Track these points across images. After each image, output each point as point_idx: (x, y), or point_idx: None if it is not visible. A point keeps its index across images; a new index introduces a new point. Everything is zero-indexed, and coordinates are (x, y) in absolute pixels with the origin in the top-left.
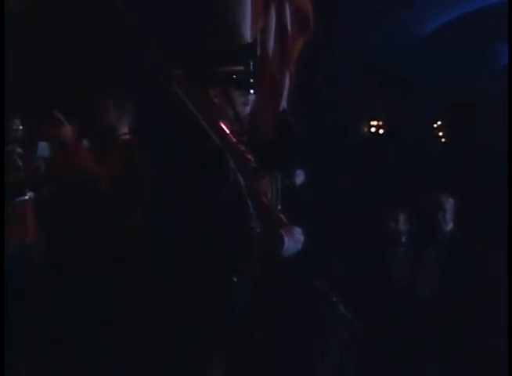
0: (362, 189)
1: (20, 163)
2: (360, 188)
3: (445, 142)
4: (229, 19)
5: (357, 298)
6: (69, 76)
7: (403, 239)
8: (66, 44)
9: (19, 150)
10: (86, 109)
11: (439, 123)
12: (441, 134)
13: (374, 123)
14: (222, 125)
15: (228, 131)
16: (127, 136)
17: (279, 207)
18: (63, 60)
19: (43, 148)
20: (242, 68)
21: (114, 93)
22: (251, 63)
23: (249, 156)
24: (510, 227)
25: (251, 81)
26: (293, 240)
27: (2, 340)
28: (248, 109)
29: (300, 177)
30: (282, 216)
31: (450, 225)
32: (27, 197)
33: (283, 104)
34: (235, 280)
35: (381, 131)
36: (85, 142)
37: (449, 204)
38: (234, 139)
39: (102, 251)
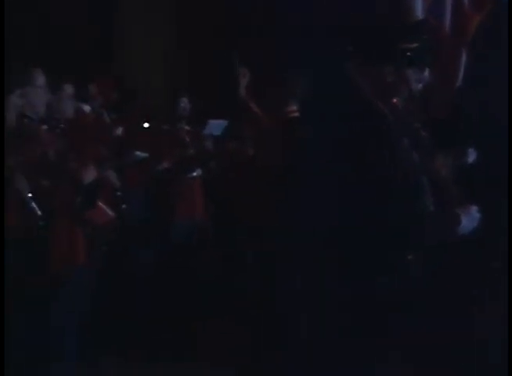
0: None
1: (188, 140)
2: None
3: None
4: None
5: None
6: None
7: None
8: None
9: (187, 127)
10: (256, 88)
11: None
12: None
13: None
14: (396, 103)
15: (402, 109)
16: (296, 113)
17: (453, 185)
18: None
19: (214, 126)
20: (417, 45)
21: (284, 70)
22: (426, 40)
23: (424, 133)
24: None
25: (426, 57)
26: (470, 219)
27: (2, 340)
28: (422, 86)
29: (472, 156)
30: (457, 194)
31: None
32: (194, 174)
33: (459, 82)
34: (409, 258)
35: None
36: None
37: None
38: (408, 117)
39: (267, 229)
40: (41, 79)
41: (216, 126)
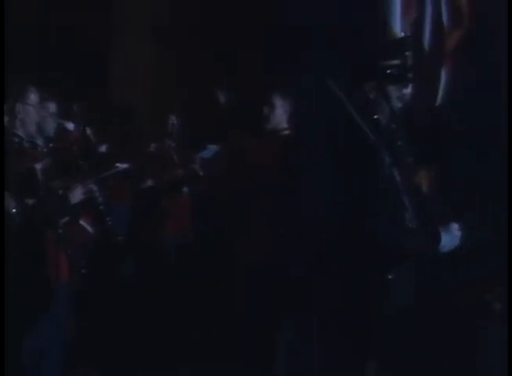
0: None
1: (175, 159)
2: None
3: None
4: (379, 11)
5: None
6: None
7: None
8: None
9: (173, 144)
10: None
11: None
12: None
13: None
14: (378, 120)
15: (384, 127)
16: (286, 132)
17: (436, 202)
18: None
19: (209, 151)
20: (398, 62)
21: (276, 91)
22: (407, 57)
23: (405, 151)
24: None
25: (407, 75)
26: (451, 237)
27: (2, 339)
28: (404, 104)
29: (453, 171)
30: (438, 212)
31: None
32: (182, 192)
33: (440, 99)
34: (389, 277)
35: None
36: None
37: None
38: (390, 134)
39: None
40: (33, 97)
41: (207, 150)
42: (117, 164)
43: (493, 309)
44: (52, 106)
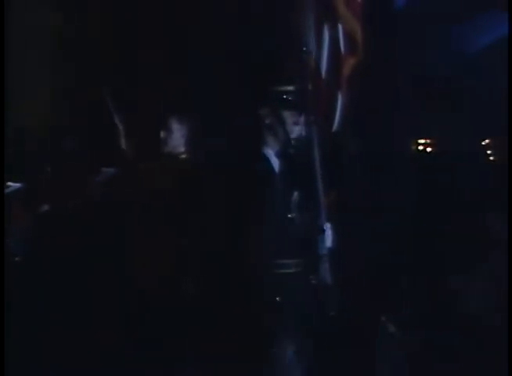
0: (410, 209)
1: (72, 183)
2: (408, 208)
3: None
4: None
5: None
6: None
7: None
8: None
9: (69, 168)
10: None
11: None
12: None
13: (423, 141)
14: (275, 145)
15: (281, 152)
16: (183, 156)
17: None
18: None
19: (104, 174)
20: (293, 88)
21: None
22: (303, 83)
23: (303, 174)
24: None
25: (303, 101)
26: None
27: (2, 341)
28: (300, 129)
29: (352, 195)
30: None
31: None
32: (78, 215)
33: (336, 123)
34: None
35: (429, 149)
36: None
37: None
38: (286, 159)
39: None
40: None
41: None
42: (10, 183)
43: (389, 332)
44: None
